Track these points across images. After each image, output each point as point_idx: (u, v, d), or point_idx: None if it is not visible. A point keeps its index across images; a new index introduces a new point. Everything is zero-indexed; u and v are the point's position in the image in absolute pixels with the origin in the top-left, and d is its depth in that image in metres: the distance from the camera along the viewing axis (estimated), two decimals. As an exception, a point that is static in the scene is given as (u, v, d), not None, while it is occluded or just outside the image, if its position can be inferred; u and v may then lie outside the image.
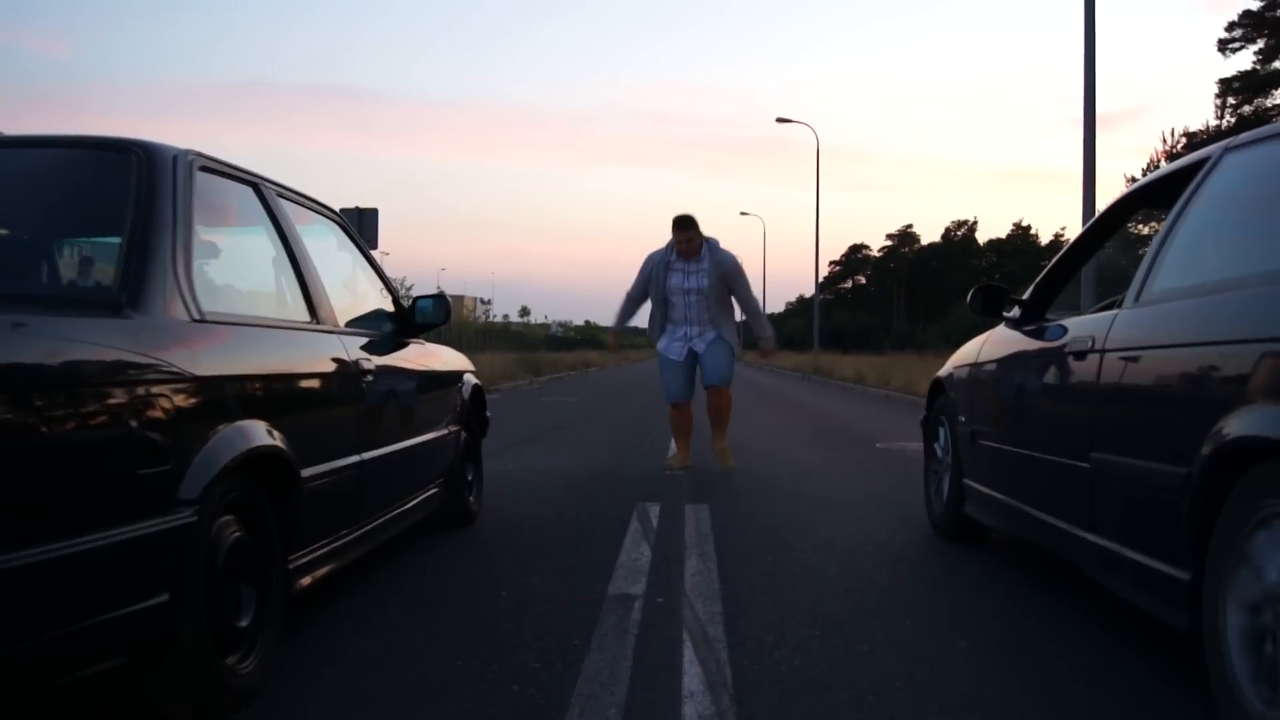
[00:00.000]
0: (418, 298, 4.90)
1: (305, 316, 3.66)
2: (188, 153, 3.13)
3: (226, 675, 2.74)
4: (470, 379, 5.88)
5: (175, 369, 2.56)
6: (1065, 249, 4.46)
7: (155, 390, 2.45)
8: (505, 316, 75.53)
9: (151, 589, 2.39)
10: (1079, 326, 3.67)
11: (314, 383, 3.53)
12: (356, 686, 3.12)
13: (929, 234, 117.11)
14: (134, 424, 2.34)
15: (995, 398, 4.62)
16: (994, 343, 4.81)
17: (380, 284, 4.93)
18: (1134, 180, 41.39)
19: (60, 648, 2.14)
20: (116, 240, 2.81)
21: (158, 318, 2.64)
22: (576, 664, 3.29)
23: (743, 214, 77.51)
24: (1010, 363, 4.46)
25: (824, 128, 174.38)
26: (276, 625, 3.13)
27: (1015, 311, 4.59)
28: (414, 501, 4.77)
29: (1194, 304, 2.90)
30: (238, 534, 2.85)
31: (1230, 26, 38.59)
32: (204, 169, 3.19)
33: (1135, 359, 3.16)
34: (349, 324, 4.08)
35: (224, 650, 2.74)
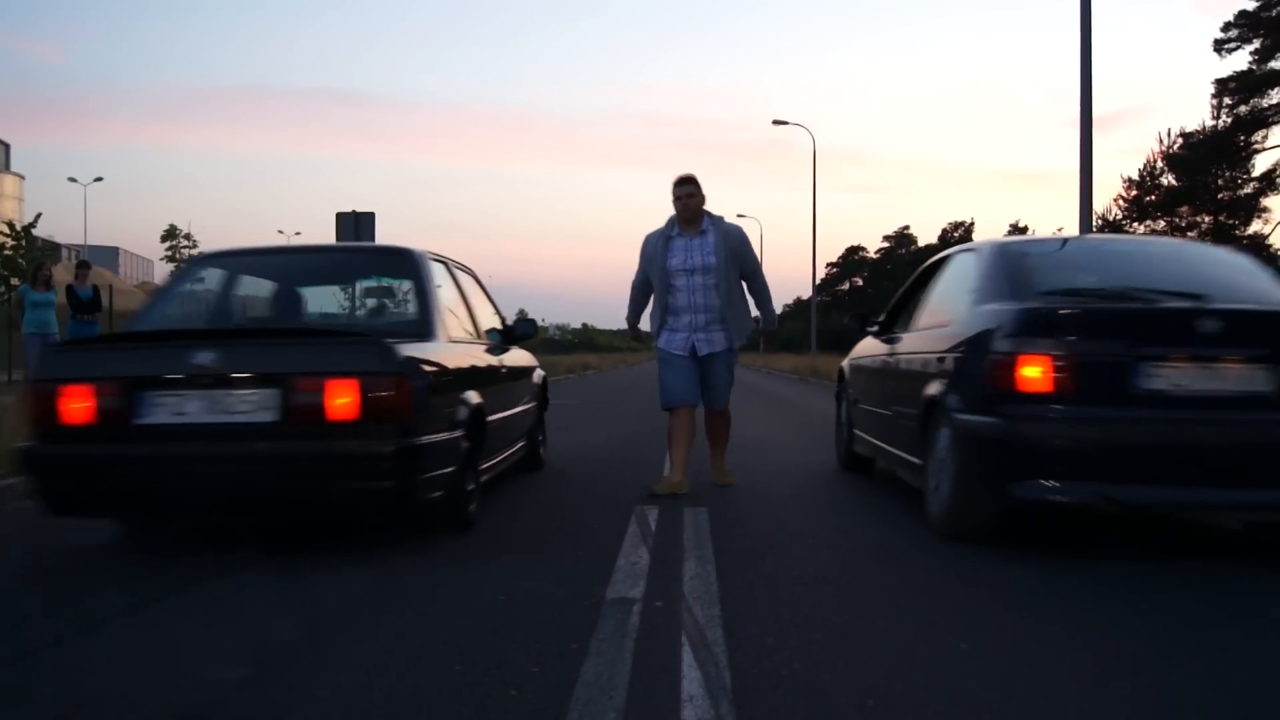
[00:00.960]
0: (517, 320, 7.77)
1: (473, 334, 6.45)
2: (426, 252, 5.96)
3: (466, 512, 5.47)
4: (540, 372, 8.60)
5: (448, 365, 5.28)
6: (900, 293, 7.15)
7: (446, 373, 5.21)
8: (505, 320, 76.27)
9: (451, 463, 5.07)
10: (895, 339, 6.71)
11: (484, 370, 6.15)
12: (355, 690, 3.11)
13: (926, 235, 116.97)
14: (443, 388, 5.11)
15: (863, 378, 7.61)
16: (863, 347, 7.84)
17: (494, 309, 7.60)
18: (1131, 180, 41.39)
19: (429, 481, 4.82)
20: (410, 295, 5.79)
21: (437, 339, 5.36)
22: (575, 668, 3.28)
23: (740, 216, 78.07)
24: (869, 358, 7.44)
25: (821, 130, 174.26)
26: (478, 495, 5.76)
27: (875, 328, 7.45)
28: (517, 447, 7.36)
29: (925, 332, 5.92)
30: (468, 444, 5.39)
31: (1226, 27, 38.58)
32: (430, 258, 5.98)
33: (905, 357, 6.20)
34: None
35: (466, 499, 5.42)
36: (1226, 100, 38.59)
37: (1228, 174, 39.68)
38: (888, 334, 6.99)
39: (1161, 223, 40.71)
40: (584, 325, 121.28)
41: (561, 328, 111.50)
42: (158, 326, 5.32)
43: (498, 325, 7.33)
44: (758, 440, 11.46)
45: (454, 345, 5.63)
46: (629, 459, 9.43)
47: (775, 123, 42.44)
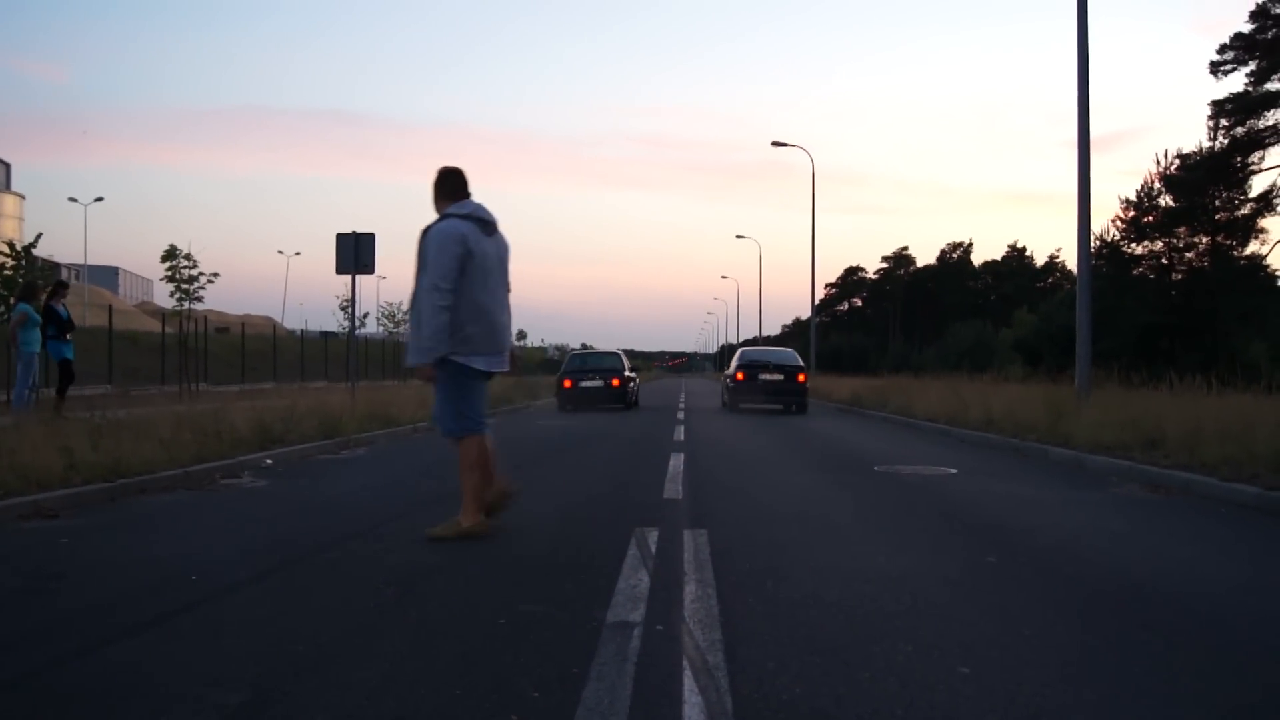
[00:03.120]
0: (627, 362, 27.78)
1: (631, 367, 27.78)
2: (621, 350, 29.71)
3: (634, 403, 26.76)
4: (634, 375, 27.74)
5: (629, 372, 26.78)
6: (732, 357, 28.44)
7: (630, 374, 26.88)
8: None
9: (634, 392, 26.94)
10: (727, 368, 27.88)
11: (630, 373, 26.79)
12: (355, 714, 3.10)
13: (925, 256, 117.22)
14: (629, 378, 26.54)
15: (730, 377, 25.09)
16: (730, 367, 26.02)
17: (628, 361, 28.17)
18: (1128, 201, 41.45)
19: (632, 394, 26.70)
20: (622, 359, 27.97)
21: (627, 369, 27.02)
22: (576, 693, 3.27)
23: (739, 237, 78.12)
24: (731, 371, 25.25)
25: (820, 151, 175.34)
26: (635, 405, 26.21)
27: (734, 364, 25.63)
28: (631, 398, 25.78)
29: (729, 369, 27.02)
30: (634, 384, 27.06)
31: (1222, 49, 38.73)
32: (622, 351, 29.33)
33: (726, 374, 27.03)
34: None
35: (634, 400, 26.66)
36: (1223, 122, 38.71)
37: (1225, 195, 39.77)
38: (726, 369, 28.20)
39: (1160, 243, 40.79)
40: (584, 345, 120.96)
41: (561, 348, 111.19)
42: (575, 365, 26.56)
43: (627, 362, 27.33)
44: (756, 459, 11.46)
45: (630, 370, 26.80)
46: (630, 481, 9.42)
47: (774, 144, 42.43)
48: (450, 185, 6.15)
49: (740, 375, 23.99)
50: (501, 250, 6.20)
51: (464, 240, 5.91)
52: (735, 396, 24.27)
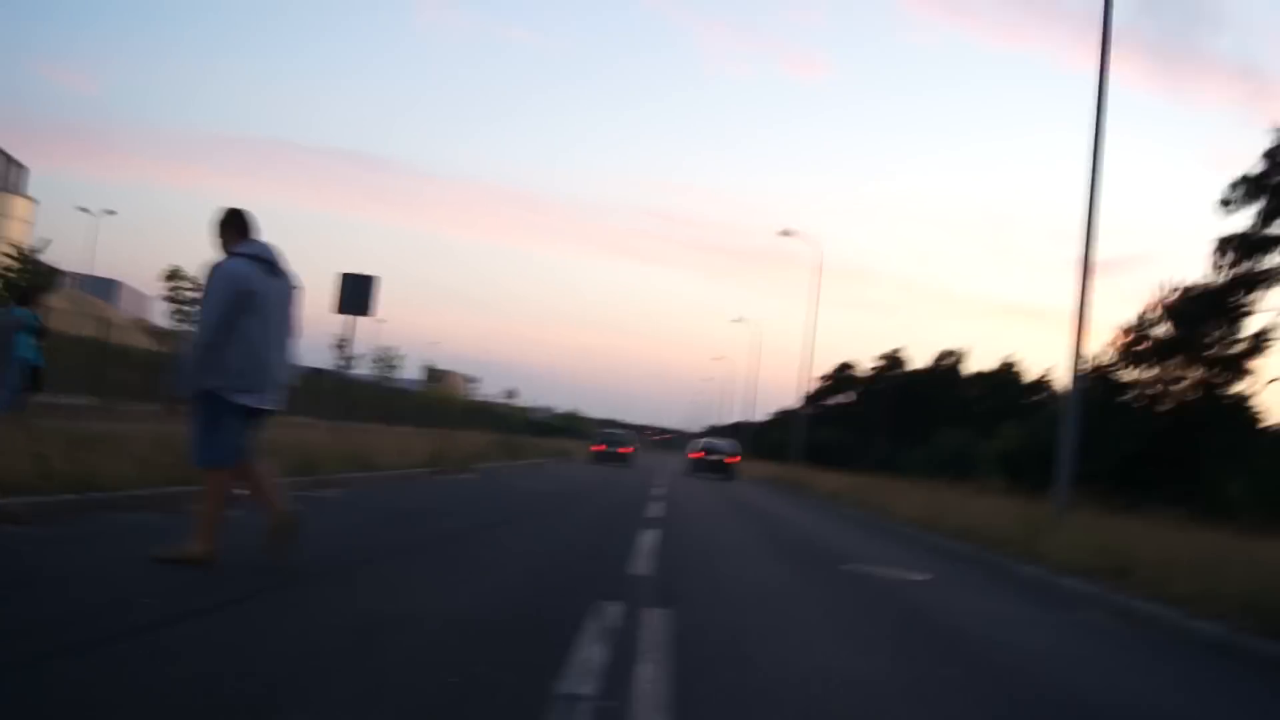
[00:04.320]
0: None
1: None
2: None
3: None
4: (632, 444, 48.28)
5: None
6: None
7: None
8: (490, 397, 75.50)
9: (632, 459, 47.21)
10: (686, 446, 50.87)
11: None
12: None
13: (920, 358, 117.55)
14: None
15: (689, 454, 40.62)
16: (691, 448, 43.06)
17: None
18: (1126, 327, 41.85)
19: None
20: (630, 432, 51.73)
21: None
22: (517, 762, 3.24)
23: (736, 321, 78.62)
24: (691, 451, 42.74)
25: (826, 243, 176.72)
26: None
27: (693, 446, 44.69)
28: (633, 460, 44.57)
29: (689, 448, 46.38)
30: (636, 449, 48.83)
31: (1233, 185, 39.39)
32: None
33: (687, 451, 48.45)
34: None
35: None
36: (1227, 257, 39.21)
37: (1221, 330, 40.15)
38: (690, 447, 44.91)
39: (1152, 371, 41.07)
40: (571, 411, 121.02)
41: (548, 410, 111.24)
42: (604, 437, 46.25)
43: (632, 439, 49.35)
44: (728, 548, 11.44)
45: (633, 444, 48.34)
46: (597, 554, 9.40)
47: (781, 233, 42.94)
48: (237, 225, 6.30)
49: (697, 454, 40.08)
50: (285, 292, 6.35)
51: (243, 279, 6.06)
52: (691, 467, 39.33)
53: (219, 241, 6.30)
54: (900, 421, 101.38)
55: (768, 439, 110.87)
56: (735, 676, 4.78)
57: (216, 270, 6.13)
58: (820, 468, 46.32)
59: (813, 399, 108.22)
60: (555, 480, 23.02)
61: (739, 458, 38.86)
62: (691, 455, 39.87)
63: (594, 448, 42.90)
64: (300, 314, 6.55)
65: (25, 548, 6.10)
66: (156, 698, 3.51)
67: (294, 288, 6.47)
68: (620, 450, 42.58)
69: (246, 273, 6.10)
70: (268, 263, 6.24)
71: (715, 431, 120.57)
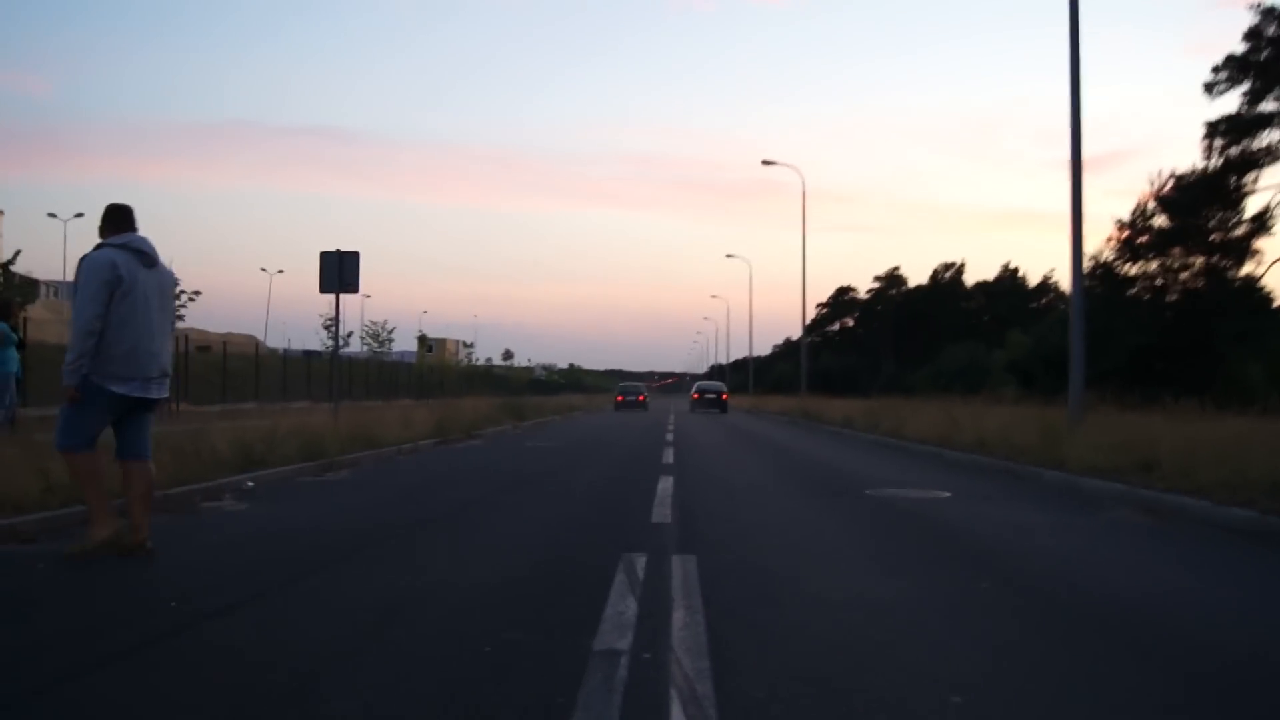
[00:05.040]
0: None
1: None
2: None
3: None
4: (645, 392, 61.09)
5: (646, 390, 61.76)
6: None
7: None
8: (488, 360, 75.21)
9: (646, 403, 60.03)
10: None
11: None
12: (335, 748, 3.07)
13: (917, 276, 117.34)
14: None
15: (690, 396, 55.31)
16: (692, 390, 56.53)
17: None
18: (1122, 222, 41.69)
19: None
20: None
21: None
22: (562, 723, 3.25)
23: (729, 256, 78.36)
24: (691, 393, 56.28)
25: (811, 170, 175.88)
26: None
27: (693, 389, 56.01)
28: (646, 405, 56.47)
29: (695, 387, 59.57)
30: (647, 396, 61.98)
31: (1216, 69, 38.98)
32: None
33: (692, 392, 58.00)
34: None
35: None
36: (1218, 142, 38.94)
37: (1220, 216, 39.99)
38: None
39: (1154, 264, 41.00)
40: (571, 365, 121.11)
41: (548, 368, 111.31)
42: (622, 389, 58.94)
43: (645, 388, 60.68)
44: (747, 485, 11.46)
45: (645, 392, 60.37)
46: (616, 506, 9.42)
47: (764, 163, 42.65)
48: (115, 219, 6.49)
49: (695, 395, 53.88)
50: (163, 282, 6.54)
51: (112, 267, 6.22)
52: (693, 406, 52.59)
53: (100, 236, 6.51)
54: (905, 341, 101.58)
55: (772, 373, 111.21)
56: (769, 614, 4.80)
57: (84, 261, 6.31)
58: (828, 397, 46.49)
59: (813, 327, 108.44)
60: (564, 436, 23.06)
61: (727, 394, 54.53)
62: (693, 396, 54.55)
63: (618, 398, 58.10)
64: (175, 305, 6.71)
65: (39, 565, 6.10)
66: (200, 686, 3.52)
67: (173, 280, 6.68)
68: (638, 399, 57.51)
69: (113, 261, 6.25)
70: (141, 253, 6.42)
71: (717, 371, 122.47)
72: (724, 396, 53.62)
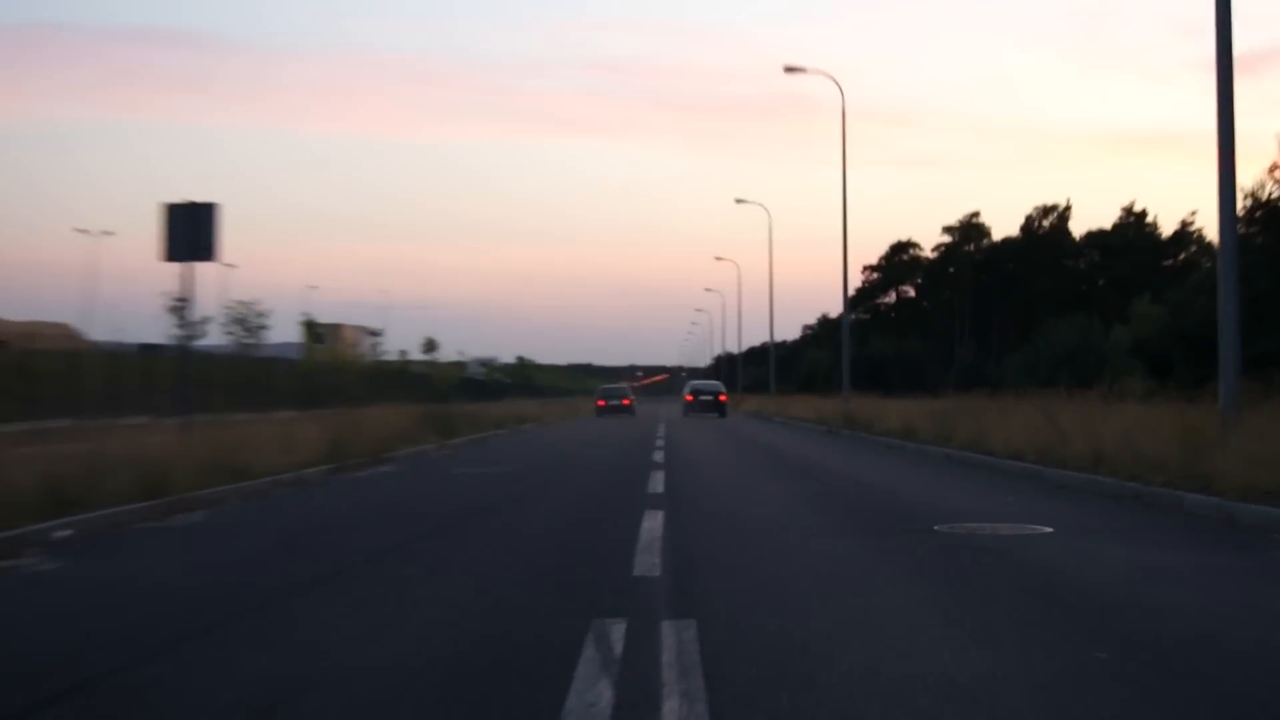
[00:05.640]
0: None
1: None
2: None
3: None
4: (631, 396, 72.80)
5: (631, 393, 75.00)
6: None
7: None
8: (403, 354, 74.67)
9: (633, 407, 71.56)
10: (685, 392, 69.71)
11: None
12: None
13: (1004, 226, 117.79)
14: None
15: (684, 398, 67.67)
16: (685, 391, 70.96)
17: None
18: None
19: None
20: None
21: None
22: None
23: (739, 203, 77.22)
24: (684, 394, 68.52)
25: (853, 81, 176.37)
26: None
27: (686, 390, 69.25)
28: (633, 410, 67.46)
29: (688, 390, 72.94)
30: (634, 399, 74.83)
31: None
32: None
33: (684, 396, 71.19)
34: None
35: None
36: None
37: None
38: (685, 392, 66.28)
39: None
40: (520, 360, 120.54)
41: (488, 363, 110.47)
42: (603, 394, 70.45)
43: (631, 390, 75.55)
44: (767, 522, 11.45)
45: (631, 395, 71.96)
46: (585, 553, 9.40)
47: (787, 70, 42.61)
48: None
49: (689, 397, 61.14)
50: None
51: None
52: (686, 409, 59.92)
53: None
54: (988, 316, 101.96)
55: (802, 365, 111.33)
56: (801, 703, 4.78)
57: None
58: (881, 396, 46.41)
59: (859, 299, 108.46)
60: (512, 457, 23.01)
61: (726, 395, 62.61)
62: (686, 398, 62.95)
63: (599, 402, 67.55)
64: None
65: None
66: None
67: None
68: (623, 403, 65.90)
69: None
70: None
71: (725, 362, 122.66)
72: (722, 398, 61.38)
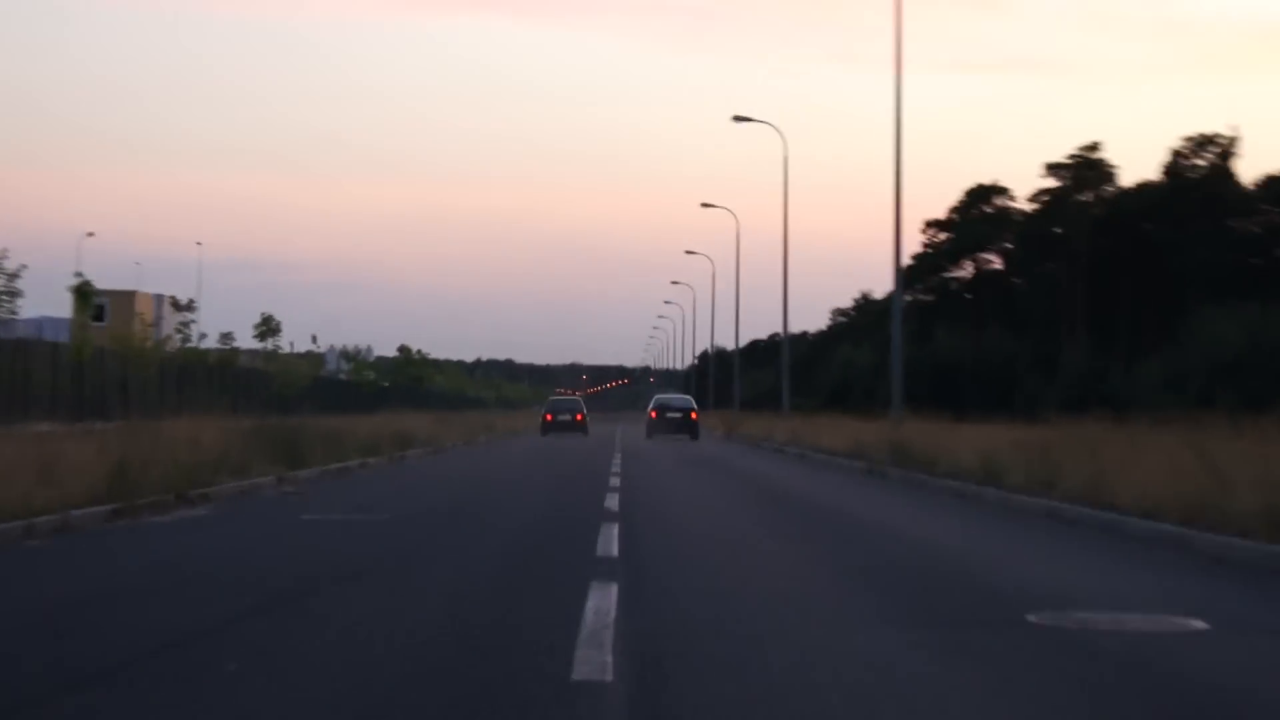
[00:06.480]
0: None
1: None
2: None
3: None
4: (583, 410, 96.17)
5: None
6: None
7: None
8: (228, 338, 73.90)
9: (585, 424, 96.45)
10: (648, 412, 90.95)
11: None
12: None
13: (1137, 165, 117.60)
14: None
15: (648, 415, 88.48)
16: (649, 407, 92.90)
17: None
18: None
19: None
20: None
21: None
22: None
23: (739, 120, 76.56)
24: (648, 411, 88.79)
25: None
26: None
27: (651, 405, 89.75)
28: (585, 427, 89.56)
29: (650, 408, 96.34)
30: (586, 416, 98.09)
31: None
32: None
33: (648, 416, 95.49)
34: None
35: None
36: None
37: None
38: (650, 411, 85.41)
39: None
40: (404, 352, 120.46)
41: (356, 357, 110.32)
42: (552, 407, 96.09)
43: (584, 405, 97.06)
44: (780, 606, 11.46)
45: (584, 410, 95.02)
46: (494, 652, 9.37)
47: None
48: None
49: (654, 414, 78.15)
50: None
51: None
52: (651, 429, 75.96)
53: None
54: (1110, 298, 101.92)
55: (829, 368, 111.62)
56: None
57: None
58: (947, 419, 46.33)
59: (918, 273, 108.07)
60: (389, 498, 23.01)
61: (697, 413, 77.65)
62: (650, 415, 77.71)
63: (546, 416, 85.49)
64: None
65: None
66: None
67: None
68: (577, 418, 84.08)
69: None
70: None
71: (714, 359, 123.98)
72: (693, 416, 77.00)
